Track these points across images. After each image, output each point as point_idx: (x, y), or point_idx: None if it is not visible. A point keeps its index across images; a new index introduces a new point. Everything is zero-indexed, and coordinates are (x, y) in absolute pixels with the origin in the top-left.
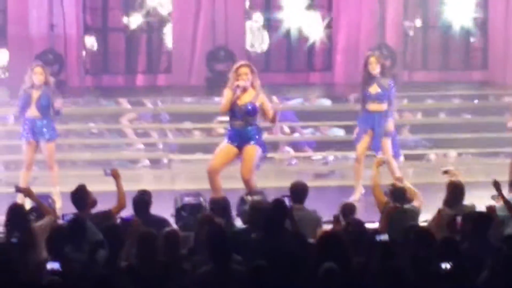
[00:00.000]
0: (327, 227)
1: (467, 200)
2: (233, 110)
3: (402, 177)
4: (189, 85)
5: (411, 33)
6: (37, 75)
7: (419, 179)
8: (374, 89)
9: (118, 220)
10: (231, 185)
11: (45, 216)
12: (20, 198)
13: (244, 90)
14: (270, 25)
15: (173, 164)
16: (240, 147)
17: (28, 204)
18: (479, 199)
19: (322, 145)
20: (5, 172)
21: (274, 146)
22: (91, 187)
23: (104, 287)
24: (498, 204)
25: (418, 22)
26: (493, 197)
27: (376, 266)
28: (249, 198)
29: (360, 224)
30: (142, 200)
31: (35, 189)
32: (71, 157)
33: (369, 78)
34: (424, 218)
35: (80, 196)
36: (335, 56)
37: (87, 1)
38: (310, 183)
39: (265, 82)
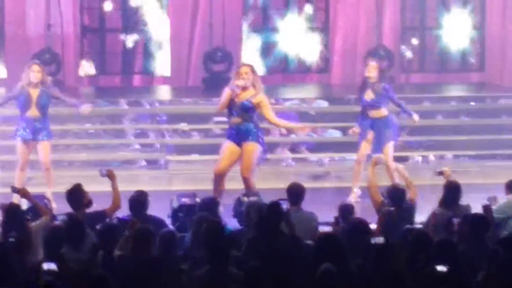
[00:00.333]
0: (324, 228)
1: (464, 202)
2: (230, 108)
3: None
4: (186, 86)
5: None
6: (34, 72)
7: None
8: (368, 95)
9: (115, 220)
10: (230, 186)
11: (41, 216)
12: (16, 199)
13: (244, 89)
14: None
15: (170, 165)
16: (240, 144)
17: (24, 204)
18: (475, 201)
19: (318, 147)
20: (0, 173)
21: (272, 147)
22: (87, 188)
23: (101, 287)
24: (495, 206)
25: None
26: (489, 199)
27: (373, 268)
28: (245, 199)
29: (358, 225)
30: (139, 200)
31: (30, 190)
32: (68, 158)
33: (365, 84)
34: (420, 220)
35: (76, 196)
36: (332, 57)
37: (84, 1)
38: (306, 185)
39: (262, 83)
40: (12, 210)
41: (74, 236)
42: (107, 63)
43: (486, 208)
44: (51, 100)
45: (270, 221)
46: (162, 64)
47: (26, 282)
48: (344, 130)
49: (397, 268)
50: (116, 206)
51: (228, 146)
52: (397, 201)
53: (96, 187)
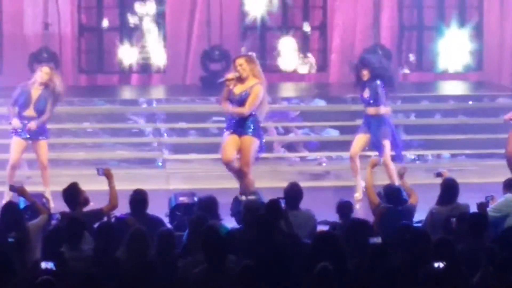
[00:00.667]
0: (322, 227)
1: (461, 201)
2: (230, 100)
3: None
4: (184, 84)
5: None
6: (42, 73)
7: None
8: (366, 93)
9: (113, 219)
10: (229, 184)
11: (39, 215)
12: (9, 197)
13: (241, 80)
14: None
15: (168, 164)
16: (238, 135)
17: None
18: (472, 201)
19: (316, 146)
20: None
21: (269, 146)
22: (85, 187)
23: (97, 285)
24: (492, 205)
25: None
26: (487, 198)
27: (370, 267)
28: (243, 198)
29: (357, 224)
30: (139, 199)
31: (29, 188)
32: (65, 157)
33: (360, 83)
34: (418, 219)
35: (72, 194)
36: (330, 56)
37: (82, 0)
38: (304, 184)
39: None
40: (10, 208)
41: (72, 235)
42: (105, 62)
43: (481, 205)
44: (53, 104)
45: (269, 220)
46: (159, 63)
47: (25, 281)
48: (341, 129)
49: (394, 268)
50: (113, 205)
51: (228, 137)
52: (393, 200)
53: (93, 186)
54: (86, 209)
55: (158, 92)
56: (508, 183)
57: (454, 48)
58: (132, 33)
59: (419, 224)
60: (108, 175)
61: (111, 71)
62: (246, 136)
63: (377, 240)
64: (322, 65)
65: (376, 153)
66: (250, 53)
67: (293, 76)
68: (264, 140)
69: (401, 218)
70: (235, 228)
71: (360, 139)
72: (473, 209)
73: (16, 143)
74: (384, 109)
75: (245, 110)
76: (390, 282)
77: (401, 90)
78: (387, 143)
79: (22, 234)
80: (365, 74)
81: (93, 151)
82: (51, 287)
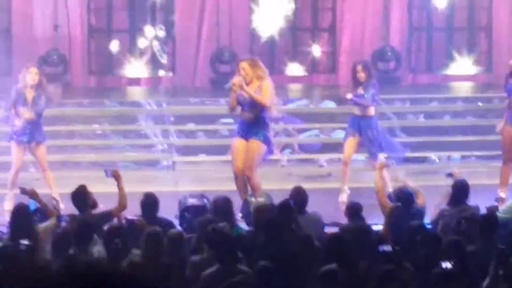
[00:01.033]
0: (330, 229)
1: (471, 203)
2: (241, 104)
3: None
4: (193, 86)
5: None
6: (32, 74)
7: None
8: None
9: (123, 221)
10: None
11: (48, 217)
12: (11, 200)
13: (247, 84)
14: None
15: (177, 166)
16: (246, 139)
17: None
18: (483, 202)
19: (326, 147)
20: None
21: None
22: (95, 189)
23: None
24: (502, 206)
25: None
26: (496, 200)
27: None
28: (253, 200)
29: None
30: (150, 203)
31: (38, 191)
32: (75, 158)
33: (356, 84)
34: (426, 220)
35: (81, 197)
36: (339, 58)
37: (91, 2)
38: (312, 186)
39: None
40: (21, 211)
41: (81, 238)
42: (114, 63)
43: (491, 208)
44: (46, 103)
45: (282, 222)
46: (169, 65)
47: (35, 283)
48: None
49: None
50: (122, 206)
51: (236, 144)
52: (405, 203)
53: (103, 188)
54: (95, 211)
55: (167, 94)
56: None
57: (463, 49)
58: (141, 36)
59: (430, 226)
60: (116, 177)
61: (120, 73)
62: (254, 140)
63: (387, 248)
64: (332, 67)
65: (385, 155)
66: (252, 56)
67: (302, 78)
68: (272, 143)
69: (413, 220)
70: (246, 230)
71: (350, 142)
72: (483, 210)
73: (17, 149)
74: (374, 110)
75: (266, 100)
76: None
77: (410, 92)
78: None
79: (32, 237)
80: (363, 75)
81: (102, 153)
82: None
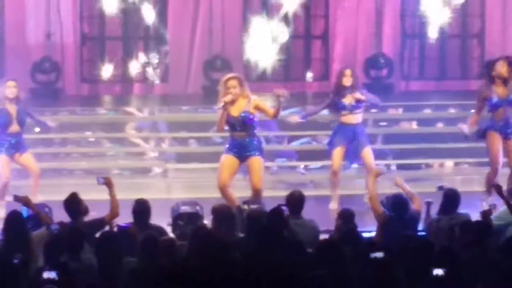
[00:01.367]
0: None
1: (464, 210)
2: (231, 123)
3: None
4: (186, 94)
5: None
6: (10, 88)
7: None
8: (348, 100)
9: (115, 228)
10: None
11: (42, 225)
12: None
13: (233, 102)
14: None
15: (169, 173)
16: (241, 158)
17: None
18: (476, 209)
19: (319, 155)
20: None
21: (271, 156)
22: (87, 196)
23: None
24: (495, 213)
25: None
26: (490, 207)
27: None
28: (245, 207)
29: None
30: (141, 209)
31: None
32: (68, 166)
33: (342, 90)
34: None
35: (73, 204)
36: (332, 65)
37: (84, 10)
38: (309, 193)
39: (263, 91)
40: (14, 218)
41: (73, 245)
42: (107, 71)
43: (484, 213)
44: (26, 115)
45: (273, 228)
46: (162, 72)
47: None
48: None
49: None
50: (114, 214)
51: (227, 158)
52: (398, 210)
53: (96, 195)
54: (87, 218)
55: (160, 101)
56: (511, 191)
57: (454, 57)
58: (134, 42)
59: (423, 233)
60: (108, 184)
61: (113, 80)
62: (254, 158)
63: (379, 255)
64: (324, 74)
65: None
66: (237, 74)
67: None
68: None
69: (406, 227)
70: (238, 237)
71: (339, 152)
72: (475, 217)
73: (4, 162)
74: (360, 117)
75: (278, 112)
76: None
77: (403, 99)
78: (370, 149)
79: (25, 244)
80: (351, 79)
81: (95, 161)
82: None
